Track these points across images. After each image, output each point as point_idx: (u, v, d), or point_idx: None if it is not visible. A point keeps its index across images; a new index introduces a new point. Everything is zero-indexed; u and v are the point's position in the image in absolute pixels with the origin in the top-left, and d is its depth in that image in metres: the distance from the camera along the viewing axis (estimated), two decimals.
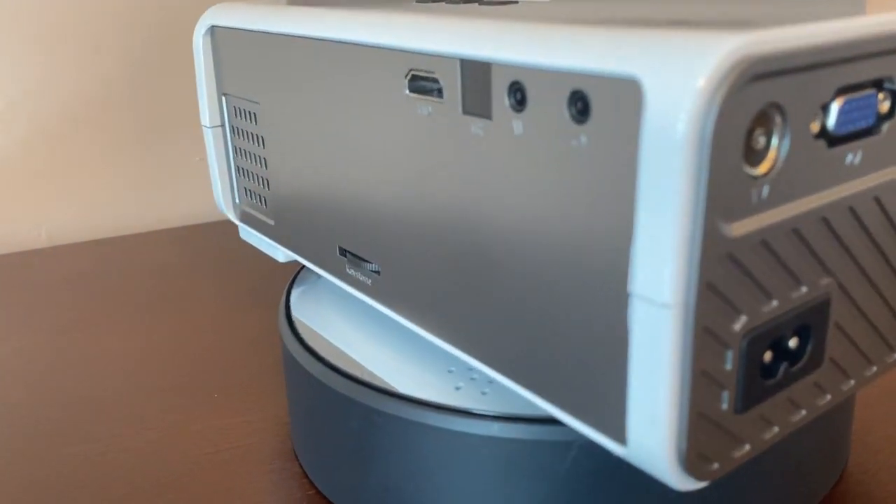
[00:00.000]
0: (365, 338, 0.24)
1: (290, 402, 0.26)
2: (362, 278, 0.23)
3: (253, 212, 0.29)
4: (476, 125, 0.17)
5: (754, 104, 0.13)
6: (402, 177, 0.20)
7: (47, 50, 0.48)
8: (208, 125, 0.29)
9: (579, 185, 0.15)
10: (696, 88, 0.12)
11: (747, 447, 0.15)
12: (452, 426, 0.20)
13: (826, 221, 0.15)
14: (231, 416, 0.29)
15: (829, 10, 0.15)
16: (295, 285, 0.29)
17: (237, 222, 0.30)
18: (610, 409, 0.15)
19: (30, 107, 0.48)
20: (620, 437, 0.15)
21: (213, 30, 0.28)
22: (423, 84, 0.18)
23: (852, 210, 0.15)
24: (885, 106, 0.15)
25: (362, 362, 0.23)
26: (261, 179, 0.27)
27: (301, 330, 0.25)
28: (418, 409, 0.20)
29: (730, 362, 0.14)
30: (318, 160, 0.23)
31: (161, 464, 0.26)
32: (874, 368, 0.17)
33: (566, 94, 0.14)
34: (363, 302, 0.23)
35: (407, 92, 0.19)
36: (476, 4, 0.20)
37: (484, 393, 0.21)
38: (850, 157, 0.15)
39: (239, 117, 0.28)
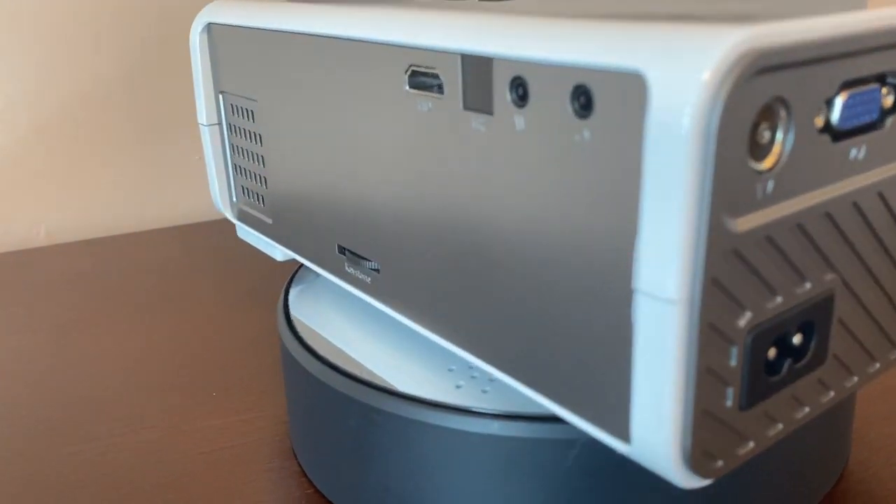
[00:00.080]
0: (364, 336, 0.24)
1: (289, 400, 0.26)
2: (362, 276, 0.23)
3: (250, 210, 0.29)
4: (477, 121, 0.17)
5: (759, 98, 0.13)
6: (402, 174, 0.20)
7: (47, 50, 0.48)
8: (205, 123, 0.29)
9: (582, 181, 0.15)
10: (702, 82, 0.12)
11: (751, 444, 0.15)
12: (451, 424, 0.20)
13: (830, 217, 0.15)
14: (230, 416, 0.29)
15: (831, 5, 0.15)
16: (293, 284, 0.28)
17: (234, 221, 0.30)
18: (613, 406, 0.15)
19: (29, 106, 0.48)
20: (624, 435, 0.15)
21: (209, 27, 0.28)
22: (423, 80, 0.18)
23: (856, 205, 0.15)
24: (888, 100, 0.15)
25: (361, 361, 0.23)
26: (258, 178, 0.27)
27: (300, 328, 0.25)
28: (417, 408, 0.20)
29: (734, 359, 0.14)
30: (316, 158, 0.23)
31: (161, 463, 0.26)
32: (877, 365, 0.17)
33: (569, 88, 0.14)
34: (361, 300, 0.23)
35: (407, 88, 0.19)
36: (474, 0, 0.20)
37: (485, 391, 0.21)
38: (854, 152, 0.15)
39: (236, 115, 0.28)
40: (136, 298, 0.40)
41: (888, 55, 0.15)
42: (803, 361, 0.15)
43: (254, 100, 0.26)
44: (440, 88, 0.18)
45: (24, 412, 0.30)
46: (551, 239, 0.16)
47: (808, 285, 0.15)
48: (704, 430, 0.14)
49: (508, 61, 0.16)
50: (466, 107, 0.17)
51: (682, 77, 0.12)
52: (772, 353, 0.15)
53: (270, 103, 0.25)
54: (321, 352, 0.23)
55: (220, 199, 0.30)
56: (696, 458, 0.14)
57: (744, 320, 0.14)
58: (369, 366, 0.22)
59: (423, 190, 0.19)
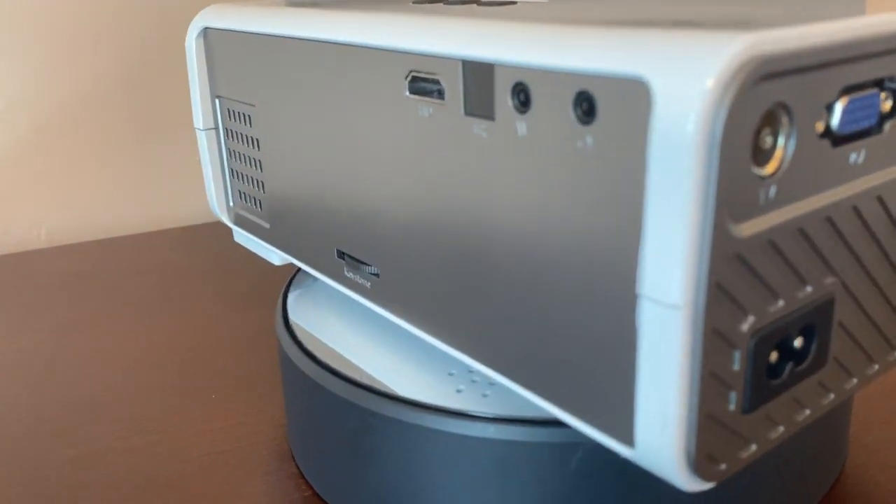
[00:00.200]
0: (361, 340, 0.24)
1: (287, 403, 0.26)
2: (361, 281, 0.23)
3: (247, 215, 0.29)
4: (479, 126, 0.17)
5: (762, 104, 0.13)
6: (402, 179, 0.20)
7: (47, 50, 0.48)
8: (201, 128, 0.29)
9: (585, 187, 0.15)
10: (706, 89, 0.12)
11: (754, 447, 0.15)
12: (449, 428, 0.20)
13: (831, 221, 0.15)
14: (228, 418, 0.29)
15: (830, 11, 0.15)
16: (291, 287, 0.28)
17: (231, 225, 0.30)
18: (617, 411, 0.15)
19: (29, 107, 0.48)
20: (628, 440, 0.15)
21: (205, 32, 0.28)
22: (423, 85, 0.18)
23: (856, 209, 0.15)
24: (887, 105, 0.15)
25: (359, 364, 0.23)
26: (256, 182, 0.27)
27: (298, 332, 0.25)
28: (414, 411, 0.20)
29: (737, 363, 0.14)
30: (315, 162, 0.23)
31: (159, 464, 0.26)
32: (876, 367, 0.17)
33: (571, 94, 0.14)
34: (360, 304, 0.23)
35: (407, 93, 0.19)
36: (475, 5, 0.20)
37: (485, 395, 0.21)
38: (853, 157, 0.15)
39: (233, 120, 0.28)
40: (135, 299, 0.40)
41: (886, 60, 0.15)
42: (804, 364, 0.15)
43: (251, 104, 0.26)
44: (441, 94, 0.18)
45: (24, 412, 0.30)
46: (554, 245, 0.16)
47: (809, 289, 0.15)
48: (708, 434, 0.14)
49: (510, 67, 0.16)
50: (468, 112, 0.17)
51: (686, 84, 0.12)
52: (774, 356, 0.15)
53: (268, 108, 0.25)
54: (319, 355, 0.23)
55: (216, 203, 0.30)
56: (700, 461, 0.14)
57: (747, 324, 0.14)
58: (369, 370, 0.22)
59: (423, 195, 0.19)
